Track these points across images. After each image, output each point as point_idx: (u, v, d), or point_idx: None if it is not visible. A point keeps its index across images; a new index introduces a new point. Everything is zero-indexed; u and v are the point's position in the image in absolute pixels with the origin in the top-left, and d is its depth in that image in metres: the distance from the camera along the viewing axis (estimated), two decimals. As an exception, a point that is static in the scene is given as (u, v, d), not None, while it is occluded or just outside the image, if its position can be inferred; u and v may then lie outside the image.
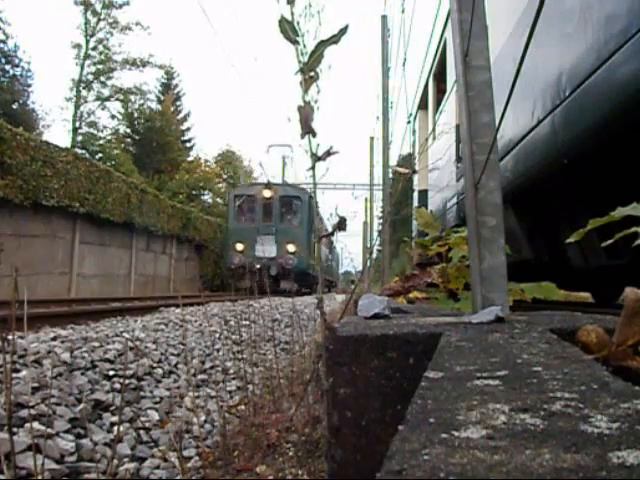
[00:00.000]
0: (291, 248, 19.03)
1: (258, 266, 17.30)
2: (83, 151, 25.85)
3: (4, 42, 25.57)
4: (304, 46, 1.01)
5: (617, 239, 1.15)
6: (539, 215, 3.76)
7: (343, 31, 1.02)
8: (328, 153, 1.02)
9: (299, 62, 1.00)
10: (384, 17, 12.15)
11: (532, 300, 1.84)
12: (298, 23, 1.00)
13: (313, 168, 1.03)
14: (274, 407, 2.62)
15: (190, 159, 35.98)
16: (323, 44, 1.02)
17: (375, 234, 18.44)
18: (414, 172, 8.96)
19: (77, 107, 29.64)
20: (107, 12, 30.40)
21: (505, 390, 0.51)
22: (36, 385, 2.46)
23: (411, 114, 12.62)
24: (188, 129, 37.08)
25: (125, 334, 4.46)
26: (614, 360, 0.74)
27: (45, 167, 11.75)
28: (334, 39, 1.02)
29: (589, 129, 2.61)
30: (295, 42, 1.00)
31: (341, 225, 1.04)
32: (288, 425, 2.19)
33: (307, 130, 0.99)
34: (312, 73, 1.01)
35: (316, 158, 1.02)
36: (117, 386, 2.90)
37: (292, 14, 1.00)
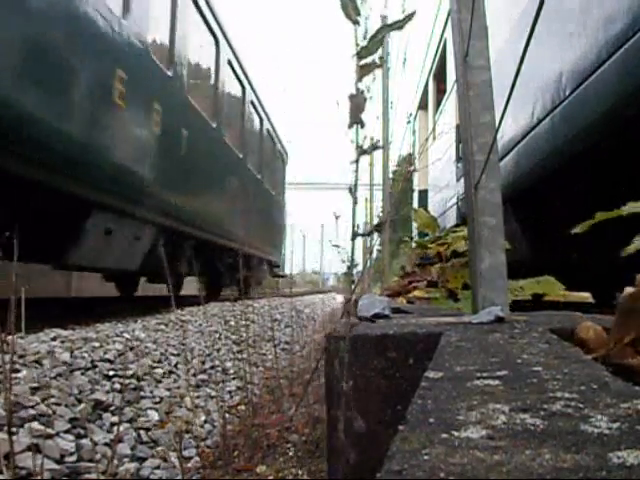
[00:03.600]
0: None
1: None
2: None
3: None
4: (366, 29, 0.93)
5: (616, 239, 1.15)
6: (539, 215, 3.76)
7: (410, 16, 0.95)
8: (374, 147, 0.97)
9: (356, 45, 0.93)
10: (384, 17, 12.14)
11: (532, 300, 1.84)
12: (362, 2, 0.92)
13: (357, 161, 0.97)
14: (274, 407, 2.62)
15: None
16: (386, 28, 0.95)
17: (375, 234, 18.39)
18: (414, 170, 8.96)
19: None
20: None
21: (505, 390, 0.51)
22: (36, 385, 2.46)
23: (411, 114, 12.62)
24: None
25: (125, 334, 4.46)
26: (615, 358, 0.75)
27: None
28: (399, 24, 0.95)
29: (589, 128, 2.61)
30: (355, 22, 0.93)
31: (378, 227, 1.00)
32: (288, 425, 2.20)
33: (355, 120, 0.93)
34: (370, 59, 0.93)
35: (361, 151, 0.96)
36: (117, 386, 2.90)
37: None
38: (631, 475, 0.30)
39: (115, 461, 2.15)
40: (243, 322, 4.93)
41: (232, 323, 5.85)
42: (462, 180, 3.96)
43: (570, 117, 2.81)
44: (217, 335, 5.28)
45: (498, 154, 1.46)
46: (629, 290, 0.80)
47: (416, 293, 2.81)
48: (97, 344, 3.59)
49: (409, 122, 12.83)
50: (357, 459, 0.94)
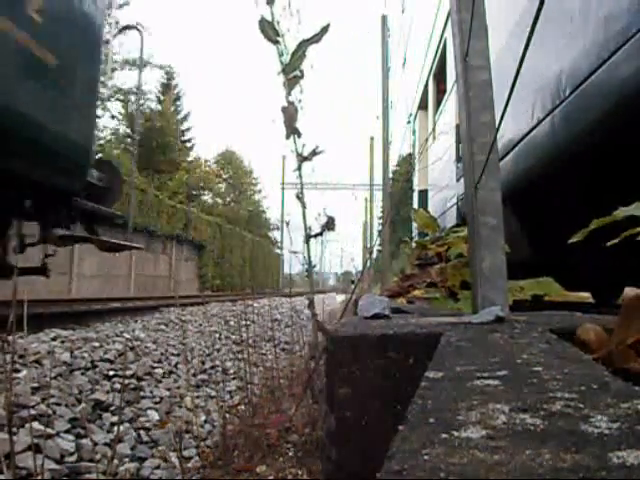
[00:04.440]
0: None
1: None
2: (83, 151, 25.76)
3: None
4: (285, 46, 1.00)
5: (615, 239, 1.15)
6: (539, 215, 3.76)
7: (324, 30, 1.01)
8: (314, 153, 1.02)
9: (281, 62, 1.00)
10: (384, 17, 12.15)
11: (532, 300, 1.84)
12: (278, 23, 0.99)
13: (299, 169, 1.03)
14: (274, 407, 2.62)
15: (190, 159, 36.00)
16: (304, 43, 1.01)
17: (375, 234, 18.43)
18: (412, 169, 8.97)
19: (77, 107, 29.68)
20: (108, 12, 30.40)
21: (505, 390, 0.51)
22: (36, 385, 2.46)
23: (411, 114, 12.62)
24: (188, 129, 37.07)
25: (125, 334, 4.46)
26: (618, 362, 0.74)
27: (45, 167, 11.73)
28: (315, 38, 1.01)
29: (588, 129, 2.61)
30: (275, 42, 1.00)
31: (329, 225, 1.03)
32: (288, 425, 2.19)
33: (292, 130, 0.99)
34: (295, 73, 1.00)
35: (302, 158, 1.01)
36: (117, 386, 2.90)
37: (272, 14, 0.99)
38: (631, 475, 0.30)
39: (115, 461, 2.15)
40: (243, 322, 4.94)
41: (232, 323, 5.85)
42: (462, 180, 3.96)
43: (570, 117, 2.81)
44: (217, 335, 5.28)
45: (498, 154, 1.46)
46: (631, 290, 0.80)
47: (416, 293, 2.81)
48: (97, 344, 3.58)
49: (409, 122, 12.83)
50: (357, 459, 0.94)
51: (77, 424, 2.32)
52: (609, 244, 1.18)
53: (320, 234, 1.02)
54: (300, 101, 1.00)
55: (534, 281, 1.89)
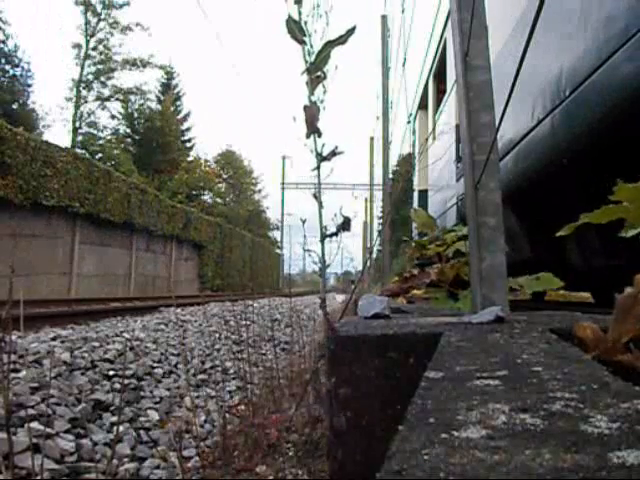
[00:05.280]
0: None
1: None
2: (83, 151, 25.81)
3: (4, 42, 25.55)
4: (311, 46, 1.00)
5: (617, 241, 1.15)
6: (539, 215, 3.76)
7: (350, 32, 1.02)
8: (333, 153, 1.02)
9: (305, 62, 1.00)
10: (384, 17, 12.15)
11: (532, 297, 1.84)
12: (305, 23, 0.99)
13: (318, 168, 1.02)
14: (274, 407, 2.62)
15: (190, 159, 36.01)
16: (330, 44, 1.01)
17: (375, 234, 18.43)
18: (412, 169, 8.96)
19: (77, 107, 29.71)
20: (107, 12, 30.49)
21: (505, 390, 0.51)
22: (36, 385, 2.46)
23: (411, 114, 12.61)
24: (188, 129, 37.10)
25: (125, 334, 4.47)
26: (606, 355, 0.75)
27: (45, 167, 11.77)
28: (341, 39, 1.02)
29: (588, 129, 2.61)
30: (302, 42, 1.00)
31: (345, 225, 1.03)
32: (288, 425, 2.19)
33: (313, 130, 0.99)
34: (319, 73, 1.00)
35: (321, 158, 1.01)
36: (117, 386, 2.90)
37: (300, 14, 1.00)
38: (631, 475, 0.30)
39: (115, 461, 2.15)
40: (243, 322, 4.94)
41: (232, 323, 5.85)
42: (462, 180, 3.96)
43: (570, 117, 2.81)
44: (217, 335, 5.28)
45: (498, 154, 1.46)
46: (628, 290, 0.80)
47: (416, 293, 2.81)
48: (97, 344, 3.58)
49: (409, 122, 12.82)
50: (357, 459, 0.94)
51: (77, 424, 2.32)
52: (558, 234, 1.19)
53: (336, 234, 1.02)
54: (322, 101, 1.00)
55: (533, 277, 1.89)
